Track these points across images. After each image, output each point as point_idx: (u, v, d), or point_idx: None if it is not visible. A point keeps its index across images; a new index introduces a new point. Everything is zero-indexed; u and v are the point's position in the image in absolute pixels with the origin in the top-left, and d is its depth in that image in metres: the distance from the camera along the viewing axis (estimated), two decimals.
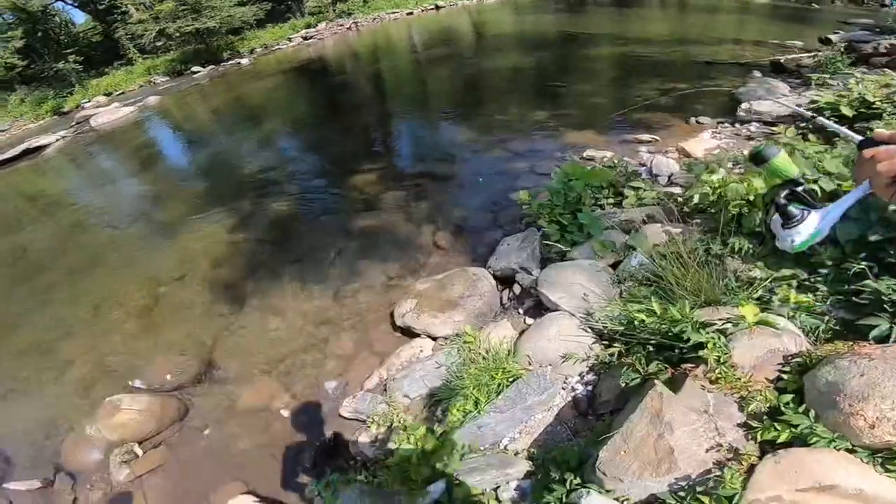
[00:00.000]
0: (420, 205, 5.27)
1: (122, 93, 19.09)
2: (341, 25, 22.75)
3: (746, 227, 2.94)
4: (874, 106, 4.36)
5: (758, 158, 1.02)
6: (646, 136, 5.77)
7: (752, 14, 20.39)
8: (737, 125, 5.94)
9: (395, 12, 24.38)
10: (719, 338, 2.11)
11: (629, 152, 5.49)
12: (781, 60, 9.26)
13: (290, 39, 22.04)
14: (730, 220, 3.01)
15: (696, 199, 3.27)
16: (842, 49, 7.52)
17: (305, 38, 21.89)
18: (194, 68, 19.81)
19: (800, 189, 0.99)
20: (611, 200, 4.05)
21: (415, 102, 9.83)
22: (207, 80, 17.69)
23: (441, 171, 5.98)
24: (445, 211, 5.04)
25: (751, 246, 2.87)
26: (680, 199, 3.69)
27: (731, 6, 23.53)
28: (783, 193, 1.00)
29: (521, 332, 3.14)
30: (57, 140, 13.33)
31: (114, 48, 21.96)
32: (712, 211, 3.18)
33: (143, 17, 20.15)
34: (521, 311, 3.50)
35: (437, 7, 25.03)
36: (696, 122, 6.32)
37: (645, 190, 3.90)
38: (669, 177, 4.49)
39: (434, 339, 3.58)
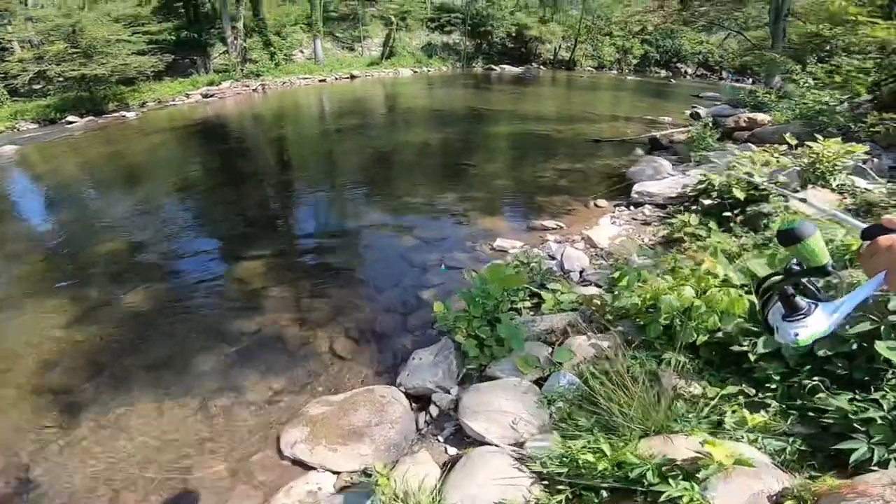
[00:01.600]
0: (317, 303, 4.61)
1: None
2: (247, 86, 21.93)
3: (681, 340, 2.76)
4: (761, 188, 4.55)
5: (789, 237, 0.86)
6: (551, 223, 5.78)
7: (625, 90, 23.37)
8: (632, 208, 6.21)
9: (307, 78, 24.16)
10: (693, 487, 1.79)
11: (537, 241, 5.41)
12: (658, 136, 10.29)
13: (187, 95, 20.52)
14: (661, 332, 2.85)
15: (622, 304, 3.08)
16: (709, 124, 8.41)
17: (205, 96, 20.59)
18: (70, 118, 17.37)
19: (805, 280, 0.91)
20: (528, 303, 3.78)
21: (318, 176, 9.21)
22: (83, 132, 15.68)
23: (343, 260, 5.38)
24: (347, 311, 4.45)
25: (686, 360, 2.70)
26: (598, 303, 3.52)
27: (607, 83, 26.89)
28: (790, 283, 0.92)
29: (444, 468, 2.61)
30: None
31: None
32: (638, 321, 3.00)
33: (25, 56, 17.72)
34: (440, 437, 2.97)
35: (353, 77, 25.30)
36: (595, 204, 6.54)
37: (562, 293, 3.70)
38: (581, 272, 4.38)
39: (336, 473, 2.92)
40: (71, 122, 16.99)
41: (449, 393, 3.20)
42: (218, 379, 3.74)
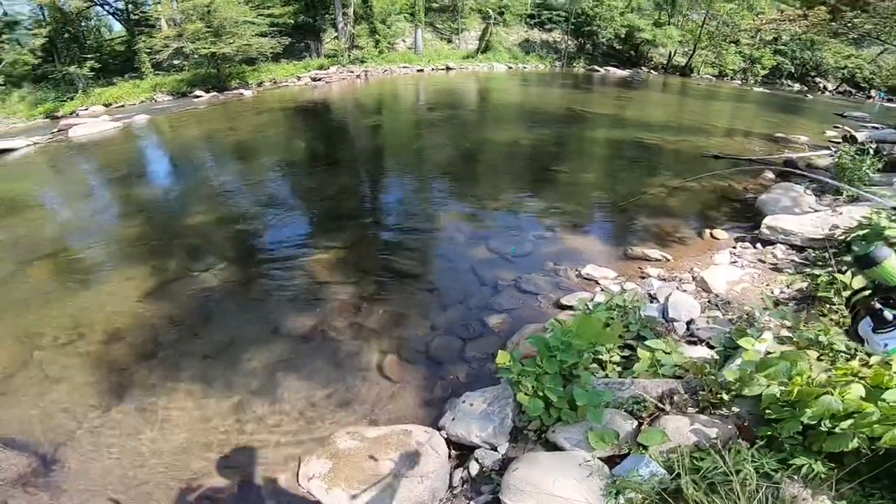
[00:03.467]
0: (376, 308, 4.12)
1: (122, 105, 18.19)
2: (351, 72, 22.48)
3: (825, 447, 1.91)
4: None
5: (865, 261, 1.01)
6: (655, 253, 4.76)
7: (749, 102, 20.43)
8: (759, 246, 4.99)
9: (406, 67, 24.33)
10: None
11: (635, 272, 4.47)
12: (794, 158, 8.56)
13: (298, 78, 21.61)
14: (796, 433, 2.00)
15: (752, 392, 2.21)
16: (869, 150, 6.67)
17: (313, 80, 21.48)
18: (197, 92, 19.14)
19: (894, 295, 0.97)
20: (616, 358, 2.97)
21: (404, 168, 8.80)
22: (206, 106, 16.95)
23: (411, 264, 4.84)
24: (404, 325, 3.89)
25: (823, 470, 1.83)
26: (708, 373, 2.62)
27: (728, 93, 23.83)
28: (878, 297, 1.00)
29: None
30: (27, 146, 12.14)
31: (133, 60, 21.35)
32: (768, 412, 2.13)
33: (170, 34, 19.62)
34: None
35: (448, 68, 25.09)
36: (712, 235, 5.38)
37: (664, 352, 2.83)
38: (689, 323, 3.43)
39: None
40: (198, 97, 18.60)
41: (496, 451, 2.58)
42: (261, 379, 3.46)
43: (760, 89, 27.29)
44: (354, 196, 7.15)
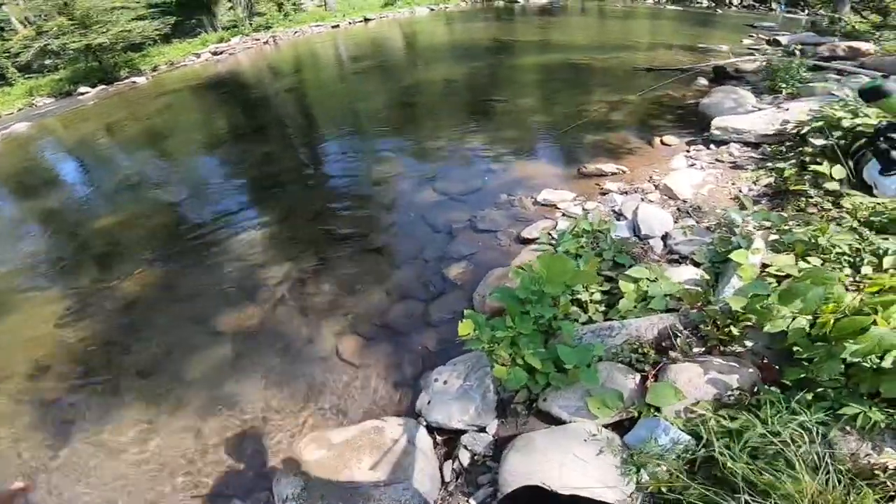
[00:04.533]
0: (322, 285, 3.54)
1: None
2: (257, 40, 20.27)
3: (884, 390, 1.53)
4: None
5: (872, 94, 0.68)
6: (610, 166, 4.41)
7: (665, 19, 20.36)
8: (713, 146, 4.75)
9: (318, 25, 22.25)
10: None
11: (593, 190, 4.11)
12: (723, 65, 8.41)
13: (197, 55, 19.24)
14: (839, 371, 1.60)
15: (775, 327, 1.80)
16: (796, 52, 6.56)
17: (215, 54, 19.22)
18: (82, 89, 16.74)
19: None
20: (597, 297, 2.59)
21: (335, 122, 7.93)
22: (95, 101, 14.86)
23: (354, 226, 4.24)
24: (356, 297, 3.36)
25: (883, 417, 1.50)
26: (706, 299, 2.29)
27: (644, 12, 23.68)
28: (881, 138, 0.59)
29: None
30: None
31: None
32: (797, 348, 1.75)
33: (29, 34, 16.92)
34: (473, 501, 1.98)
35: (366, 20, 23.21)
36: (662, 142, 5.09)
37: (650, 280, 2.46)
38: (664, 239, 3.10)
39: None
40: (83, 93, 16.33)
41: (485, 431, 2.18)
42: (210, 390, 2.93)
43: (673, 7, 27.32)
44: (283, 162, 6.32)
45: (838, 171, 2.90)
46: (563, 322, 2.08)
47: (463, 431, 2.18)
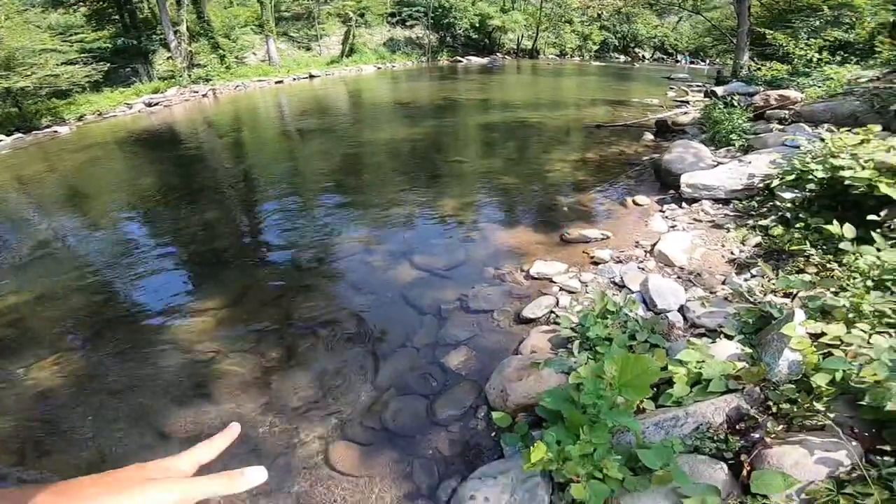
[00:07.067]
0: (293, 378, 2.88)
1: None
2: (195, 92, 19.43)
3: None
4: None
5: None
6: (593, 233, 4.20)
7: (592, 75, 22.15)
8: (684, 205, 4.74)
9: (261, 80, 21.83)
10: None
11: (581, 259, 3.84)
12: (664, 118, 8.89)
13: (129, 105, 18.03)
14: None
15: (878, 403, 1.57)
16: (735, 104, 6.95)
17: (149, 105, 18.08)
18: None
19: None
20: None
21: (282, 186, 7.15)
22: (9, 150, 13.20)
23: (326, 307, 3.63)
24: (340, 395, 2.78)
25: None
26: (765, 377, 2.00)
27: (572, 69, 25.72)
28: None
29: None
30: None
31: None
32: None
33: None
34: None
35: (311, 76, 23.14)
36: (634, 203, 5.04)
37: (699, 362, 2.14)
38: (682, 311, 2.84)
39: None
40: None
41: None
42: None
43: (596, 63, 30.14)
44: (227, 231, 5.59)
45: (849, 231, 2.82)
46: (627, 420, 1.68)
47: None
